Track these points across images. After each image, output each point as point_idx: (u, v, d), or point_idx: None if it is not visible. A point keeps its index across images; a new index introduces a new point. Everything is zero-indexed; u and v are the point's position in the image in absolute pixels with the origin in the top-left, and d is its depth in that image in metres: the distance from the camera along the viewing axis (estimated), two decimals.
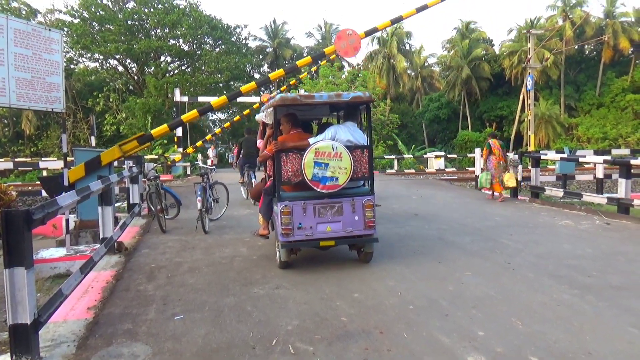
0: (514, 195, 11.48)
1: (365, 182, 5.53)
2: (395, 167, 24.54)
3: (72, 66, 35.77)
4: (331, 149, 5.03)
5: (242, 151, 11.64)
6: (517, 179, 11.16)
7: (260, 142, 6.41)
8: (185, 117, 8.93)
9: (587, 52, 47.08)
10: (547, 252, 5.76)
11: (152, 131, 8.63)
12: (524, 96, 40.34)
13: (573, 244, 6.21)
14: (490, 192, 11.50)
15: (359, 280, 4.77)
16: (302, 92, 27.10)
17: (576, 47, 40.51)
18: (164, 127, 8.62)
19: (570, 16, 42.27)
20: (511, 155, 12.02)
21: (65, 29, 31.95)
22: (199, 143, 23.86)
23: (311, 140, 5.24)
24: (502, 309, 3.89)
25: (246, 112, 23.96)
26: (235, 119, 25.14)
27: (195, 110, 9.10)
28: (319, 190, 5.04)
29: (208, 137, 24.52)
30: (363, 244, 5.38)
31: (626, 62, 44.53)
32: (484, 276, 4.82)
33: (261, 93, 25.65)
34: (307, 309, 4.01)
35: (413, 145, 37.48)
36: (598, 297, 4.11)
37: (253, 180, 11.19)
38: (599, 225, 7.48)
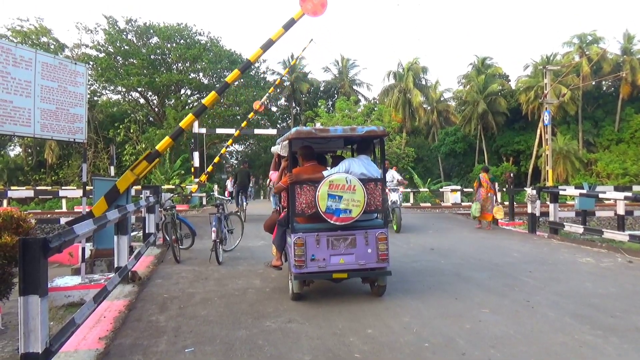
0: (532, 230, 11.28)
1: (379, 215, 5.52)
2: (411, 201, 24.37)
3: (95, 98, 36.86)
4: (345, 182, 5.08)
5: (236, 180, 14.34)
6: (504, 211, 12.44)
7: (274, 174, 6.45)
8: (183, 123, 8.99)
9: (604, 88, 46.94)
10: (568, 290, 5.59)
11: (157, 146, 8.71)
12: (541, 131, 40.18)
13: (595, 282, 6.02)
14: (479, 222, 12.57)
15: (373, 315, 4.67)
16: (318, 125, 27.43)
17: (593, 83, 40.45)
18: (166, 140, 8.74)
19: (587, 52, 42.39)
20: (529, 190, 11.88)
21: (91, 63, 33.10)
22: (209, 168, 24.02)
23: (325, 172, 5.28)
24: (521, 349, 3.75)
25: (251, 115, 24.43)
26: (235, 134, 25.17)
27: (190, 114, 9.27)
28: (332, 222, 5.04)
29: (216, 159, 24.66)
30: (376, 277, 5.32)
31: None
32: (503, 314, 4.68)
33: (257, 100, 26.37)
34: (320, 344, 3.93)
35: (429, 179, 37.26)
36: (622, 339, 3.95)
37: (244, 202, 13.98)
38: (622, 264, 7.26)
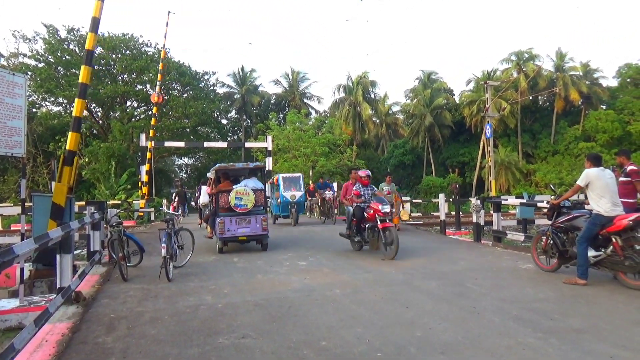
0: (477, 239, 11.73)
1: (263, 207, 10.38)
2: None
3: (34, 110, 35.07)
4: (243, 191, 10.05)
5: (177, 196, 19.34)
6: (410, 214, 15.86)
7: (208, 189, 12.58)
8: (75, 110, 8.72)
9: (540, 103, 49.78)
10: (511, 296, 5.86)
11: (67, 146, 8.48)
12: (484, 143, 41.99)
13: (535, 288, 6.34)
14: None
15: (326, 327, 4.71)
16: (269, 138, 27.71)
17: (530, 98, 42.81)
18: (71, 135, 8.48)
19: (524, 69, 44.92)
20: (473, 200, 12.38)
21: (29, 73, 31.52)
22: (145, 178, 23.38)
23: (234, 186, 10.28)
24: (469, 354, 3.90)
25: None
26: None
27: (77, 99, 8.87)
28: (238, 211, 9.94)
29: (146, 166, 23.89)
30: (261, 239, 10.37)
31: (577, 112, 47.29)
32: (451, 321, 4.85)
33: (152, 92, 27.02)
34: (274, 358, 3.91)
35: None
36: (561, 340, 4.19)
37: (185, 210, 19.94)
38: (560, 269, 7.68)
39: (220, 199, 10.07)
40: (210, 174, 11.69)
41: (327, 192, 17.96)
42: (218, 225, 9.90)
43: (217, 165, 10.77)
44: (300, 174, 19.06)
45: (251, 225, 9.99)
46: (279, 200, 17.29)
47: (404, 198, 28.64)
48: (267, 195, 11.63)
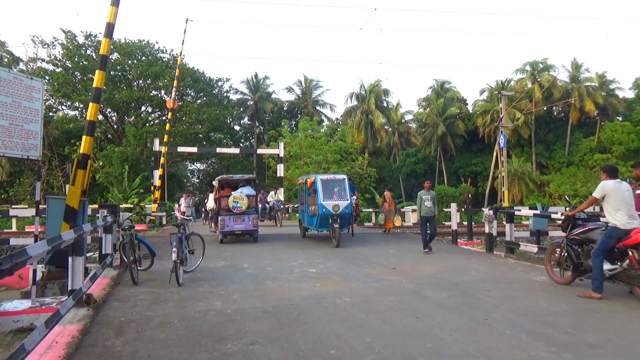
0: (489, 250, 11.59)
1: (256, 209, 13.46)
2: (373, 221, 24.60)
3: (50, 114, 35.63)
4: (240, 196, 12.79)
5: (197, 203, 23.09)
6: (402, 220, 17.62)
7: (215, 193, 14.59)
8: (89, 115, 8.71)
9: (555, 113, 49.31)
10: (524, 308, 5.77)
11: (81, 149, 8.54)
12: (497, 153, 41.63)
13: (549, 300, 6.24)
14: (384, 229, 16.64)
15: (335, 336, 4.67)
16: (281, 145, 27.88)
17: (545, 108, 42.48)
18: (85, 139, 8.49)
19: (539, 79, 44.56)
20: (486, 210, 12.26)
21: (47, 78, 32.04)
22: (158, 182, 23.58)
23: (233, 192, 12.99)
24: None
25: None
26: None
27: (91, 103, 8.70)
28: (235, 212, 12.72)
29: (159, 171, 24.11)
30: (252, 233, 13.12)
31: (592, 124, 46.72)
32: (462, 332, 4.78)
33: (167, 98, 28.20)
34: None
35: None
36: (575, 355, 4.10)
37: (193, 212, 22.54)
38: (574, 282, 7.55)
39: (222, 202, 13.02)
40: (215, 183, 14.64)
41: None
42: (219, 222, 13.01)
43: (220, 176, 14.36)
44: (344, 176, 14.04)
45: (245, 223, 12.84)
46: (312, 208, 13.14)
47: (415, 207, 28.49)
48: (258, 200, 16.22)
